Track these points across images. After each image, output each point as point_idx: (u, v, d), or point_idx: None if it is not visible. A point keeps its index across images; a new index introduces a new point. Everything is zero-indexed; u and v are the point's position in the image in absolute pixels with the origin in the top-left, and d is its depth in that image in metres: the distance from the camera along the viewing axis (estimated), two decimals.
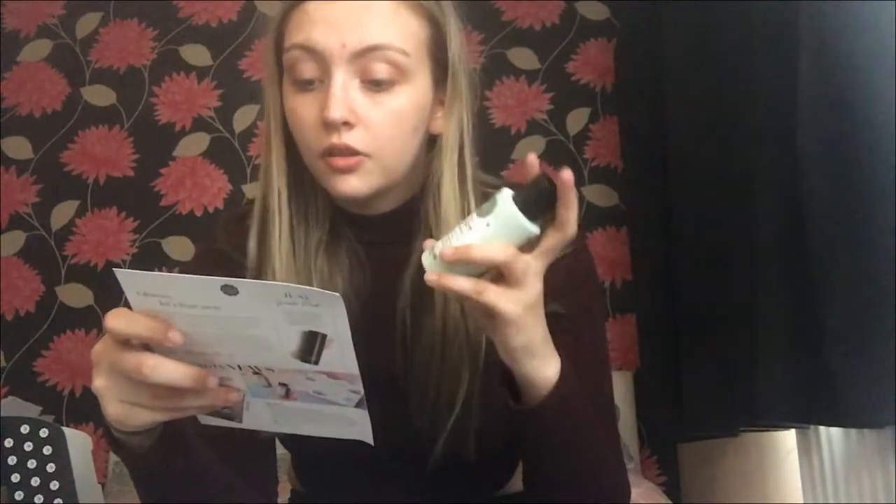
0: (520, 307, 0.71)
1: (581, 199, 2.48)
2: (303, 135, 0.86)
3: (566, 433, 0.80)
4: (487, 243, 0.70)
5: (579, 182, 2.56)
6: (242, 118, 2.61)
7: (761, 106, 1.57)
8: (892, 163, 1.28)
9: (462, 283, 0.70)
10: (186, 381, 0.64)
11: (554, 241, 0.72)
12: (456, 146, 0.89)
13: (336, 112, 0.81)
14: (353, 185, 0.85)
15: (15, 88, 2.64)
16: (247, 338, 0.65)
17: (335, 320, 0.63)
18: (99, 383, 0.66)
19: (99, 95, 2.64)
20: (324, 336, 0.64)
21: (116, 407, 0.66)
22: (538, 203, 0.71)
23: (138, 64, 2.66)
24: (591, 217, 2.53)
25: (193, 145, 2.60)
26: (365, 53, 0.82)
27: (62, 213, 2.56)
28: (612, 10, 2.64)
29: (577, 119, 2.61)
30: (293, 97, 0.86)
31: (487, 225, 0.71)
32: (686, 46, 1.93)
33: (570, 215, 0.71)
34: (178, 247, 2.52)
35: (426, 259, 0.74)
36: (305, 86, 0.85)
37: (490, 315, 0.72)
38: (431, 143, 0.91)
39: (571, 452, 0.82)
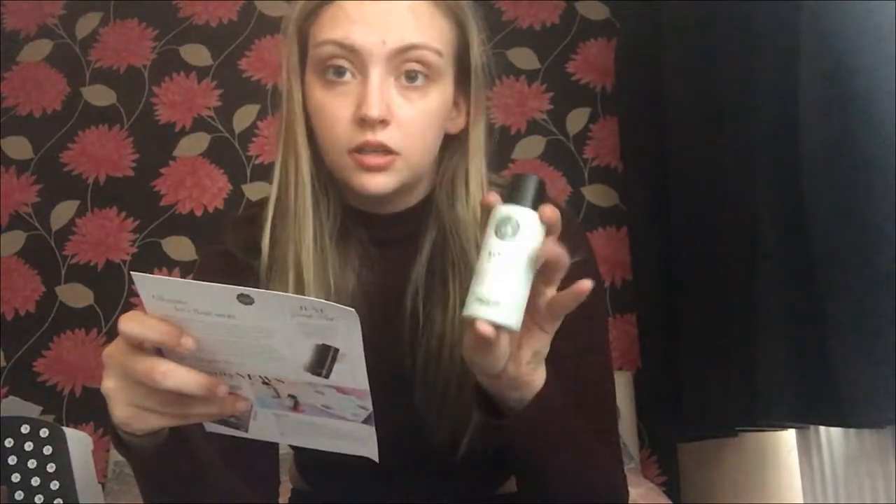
0: None
1: (581, 199, 2.52)
2: (332, 130, 0.85)
3: (550, 440, 0.80)
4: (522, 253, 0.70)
5: (579, 182, 2.56)
6: (242, 118, 2.61)
7: (761, 106, 1.57)
8: (892, 162, 1.28)
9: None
10: (197, 388, 0.64)
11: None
12: (480, 148, 0.91)
13: (375, 110, 0.81)
14: (381, 182, 0.85)
15: (15, 88, 2.64)
16: (259, 347, 0.65)
17: (349, 335, 0.63)
18: (109, 385, 0.66)
19: (99, 95, 2.64)
20: (336, 350, 0.64)
21: (124, 410, 0.66)
22: (534, 193, 0.72)
23: (138, 64, 2.66)
24: (591, 217, 2.53)
25: (193, 145, 2.60)
26: (403, 52, 0.83)
27: (62, 213, 2.56)
28: (612, 10, 2.64)
29: (577, 119, 2.61)
30: (321, 92, 0.86)
31: (514, 235, 0.70)
32: (686, 46, 1.94)
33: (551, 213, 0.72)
34: (178, 247, 2.52)
35: (479, 310, 0.69)
36: (336, 81, 0.85)
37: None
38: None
39: (557, 459, 0.82)
